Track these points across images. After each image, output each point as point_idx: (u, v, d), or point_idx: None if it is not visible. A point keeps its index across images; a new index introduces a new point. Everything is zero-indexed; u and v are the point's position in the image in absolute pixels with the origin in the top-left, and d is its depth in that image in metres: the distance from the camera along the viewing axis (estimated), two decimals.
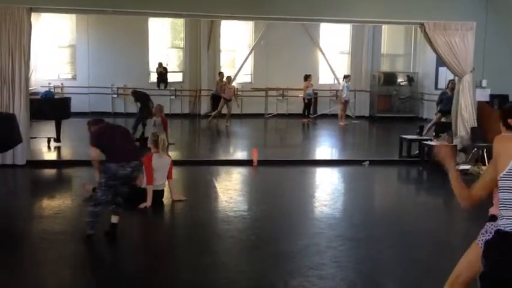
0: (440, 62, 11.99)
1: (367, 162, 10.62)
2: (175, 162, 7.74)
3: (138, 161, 5.83)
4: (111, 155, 5.60)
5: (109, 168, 5.52)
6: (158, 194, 7.23)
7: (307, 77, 17.56)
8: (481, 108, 10.80)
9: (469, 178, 9.74)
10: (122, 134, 5.97)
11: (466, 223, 7.53)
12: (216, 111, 16.87)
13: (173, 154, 11.88)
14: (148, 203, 7.00)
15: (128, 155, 5.68)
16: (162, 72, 18.96)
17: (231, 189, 8.44)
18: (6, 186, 8.87)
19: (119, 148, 5.67)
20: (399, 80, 20.06)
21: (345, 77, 17.87)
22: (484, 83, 10.77)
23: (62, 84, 18.37)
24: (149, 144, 7.45)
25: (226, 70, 20.24)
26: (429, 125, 12.72)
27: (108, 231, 5.70)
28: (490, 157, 10.95)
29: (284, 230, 6.39)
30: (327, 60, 20.18)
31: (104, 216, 5.72)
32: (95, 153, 5.67)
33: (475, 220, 7.71)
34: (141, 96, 13.13)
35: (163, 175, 7.32)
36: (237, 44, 20.11)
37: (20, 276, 4.83)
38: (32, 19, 9.67)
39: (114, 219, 5.74)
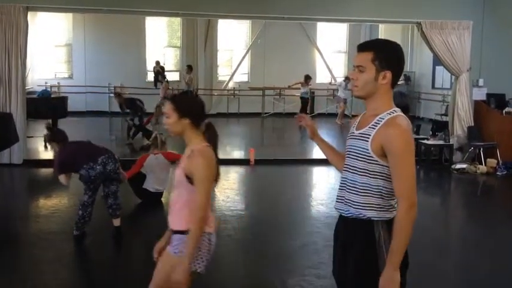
0: (437, 61, 12.01)
1: None
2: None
3: (107, 154, 5.54)
4: (78, 167, 5.46)
5: (82, 175, 5.45)
6: (157, 196, 7.24)
7: (307, 78, 17.57)
8: (478, 108, 10.83)
9: (466, 177, 9.78)
10: (83, 145, 5.73)
11: (463, 221, 7.55)
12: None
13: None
14: None
15: (92, 154, 5.50)
16: (159, 71, 18.94)
17: (228, 189, 8.43)
18: (2, 186, 8.85)
19: (80, 157, 5.49)
20: None
21: (346, 78, 17.84)
22: (481, 82, 10.78)
23: (58, 83, 18.32)
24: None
25: (224, 69, 20.26)
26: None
27: (114, 235, 5.73)
28: (486, 156, 11.02)
29: (281, 229, 6.40)
30: (324, 59, 20.21)
31: (106, 219, 5.73)
32: (64, 180, 5.51)
33: (473, 219, 7.77)
34: (131, 104, 12.27)
35: (161, 180, 7.24)
36: (234, 43, 20.10)
37: (17, 275, 4.82)
38: (28, 18, 9.64)
39: (116, 222, 5.73)
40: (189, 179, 2.81)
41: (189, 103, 2.92)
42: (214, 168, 2.85)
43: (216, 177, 2.92)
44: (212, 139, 2.93)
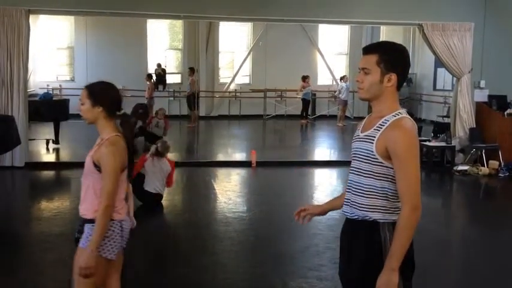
0: (439, 63, 12.01)
1: None
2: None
3: None
4: None
5: None
6: (156, 197, 7.23)
7: (304, 78, 17.59)
8: (480, 109, 10.82)
9: (468, 179, 9.77)
10: None
11: (464, 223, 7.54)
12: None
13: (172, 155, 11.88)
14: None
15: None
16: (161, 74, 18.95)
17: (229, 191, 8.44)
18: (5, 188, 8.86)
19: None
20: None
21: (342, 78, 17.91)
22: (482, 83, 10.78)
23: (60, 86, 18.35)
24: (159, 150, 7.32)
25: (225, 71, 20.28)
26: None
27: None
28: (488, 157, 11.01)
29: (283, 231, 6.39)
30: (325, 61, 20.21)
31: None
32: None
33: (475, 220, 7.76)
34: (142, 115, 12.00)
35: (161, 181, 7.25)
36: (235, 45, 20.12)
37: (18, 276, 4.83)
38: (30, 21, 9.67)
39: None
40: (97, 167, 2.84)
41: (104, 91, 2.94)
42: (124, 157, 2.88)
43: (128, 167, 2.93)
44: (126, 131, 2.96)
